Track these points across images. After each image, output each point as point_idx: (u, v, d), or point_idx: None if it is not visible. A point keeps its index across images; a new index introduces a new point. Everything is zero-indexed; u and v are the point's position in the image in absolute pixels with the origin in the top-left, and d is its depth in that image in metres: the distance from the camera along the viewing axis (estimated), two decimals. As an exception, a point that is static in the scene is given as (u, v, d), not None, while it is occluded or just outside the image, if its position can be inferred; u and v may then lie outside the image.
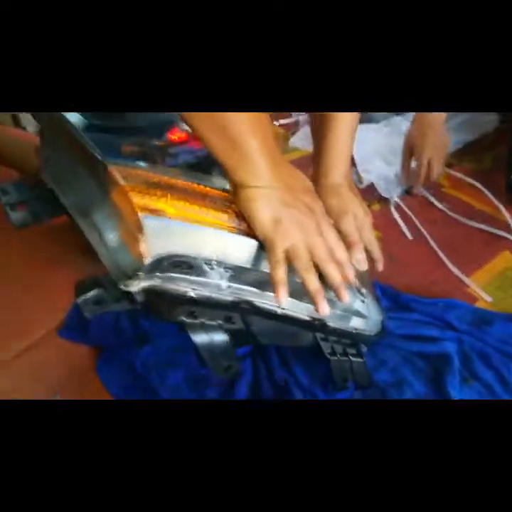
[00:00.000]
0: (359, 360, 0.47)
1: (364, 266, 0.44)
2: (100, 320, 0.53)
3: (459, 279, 0.61)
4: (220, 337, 0.40)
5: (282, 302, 0.36)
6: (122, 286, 0.35)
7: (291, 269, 0.37)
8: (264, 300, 0.40)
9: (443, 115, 0.72)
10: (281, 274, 0.36)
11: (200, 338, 0.39)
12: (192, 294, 0.37)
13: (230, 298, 0.38)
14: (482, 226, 0.69)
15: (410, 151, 0.73)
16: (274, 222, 0.36)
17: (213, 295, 0.38)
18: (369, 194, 0.76)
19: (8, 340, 0.51)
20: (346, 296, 0.38)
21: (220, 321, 0.40)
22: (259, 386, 0.47)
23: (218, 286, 0.38)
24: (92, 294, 0.37)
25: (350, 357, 0.46)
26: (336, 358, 0.45)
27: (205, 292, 0.37)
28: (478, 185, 0.77)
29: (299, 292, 0.40)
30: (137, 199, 0.35)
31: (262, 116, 0.37)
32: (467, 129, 0.87)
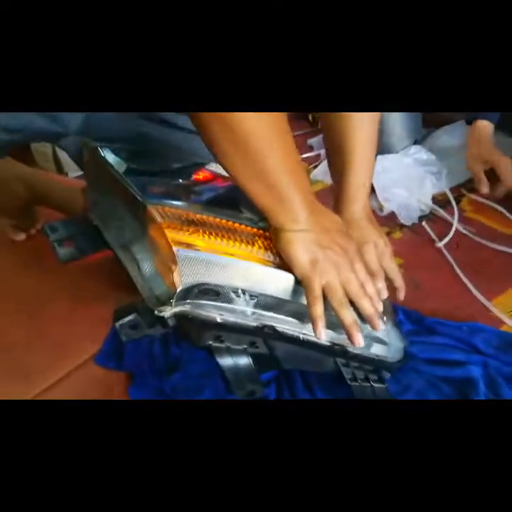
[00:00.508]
0: (381, 385, 0.47)
1: (384, 294, 0.46)
2: (135, 347, 0.56)
3: (482, 303, 0.61)
4: (244, 361, 0.42)
5: (322, 336, 0.39)
6: (156, 312, 0.38)
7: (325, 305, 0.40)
8: (286, 326, 0.42)
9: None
10: (319, 310, 0.39)
11: (226, 361, 0.41)
12: (219, 319, 0.40)
13: (254, 323, 0.41)
14: (505, 248, 0.69)
15: (478, 158, 0.76)
16: (312, 263, 0.40)
17: (239, 320, 0.41)
18: (390, 222, 0.78)
19: (48, 369, 0.55)
20: (380, 325, 0.41)
21: (245, 346, 0.42)
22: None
23: (244, 313, 0.41)
24: (128, 318, 0.40)
25: (372, 383, 0.47)
26: (356, 383, 0.46)
27: (232, 318, 0.40)
28: (500, 208, 0.78)
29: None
30: (172, 234, 0.39)
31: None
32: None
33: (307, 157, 1.02)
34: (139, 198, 0.42)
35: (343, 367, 0.46)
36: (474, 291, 0.63)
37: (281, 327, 0.42)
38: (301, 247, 0.40)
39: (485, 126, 0.78)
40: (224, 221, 0.43)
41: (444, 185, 0.82)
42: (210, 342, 0.42)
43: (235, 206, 0.46)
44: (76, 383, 0.54)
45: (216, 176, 0.53)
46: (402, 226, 0.77)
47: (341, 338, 0.43)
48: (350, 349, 0.45)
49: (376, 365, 0.47)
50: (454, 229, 0.74)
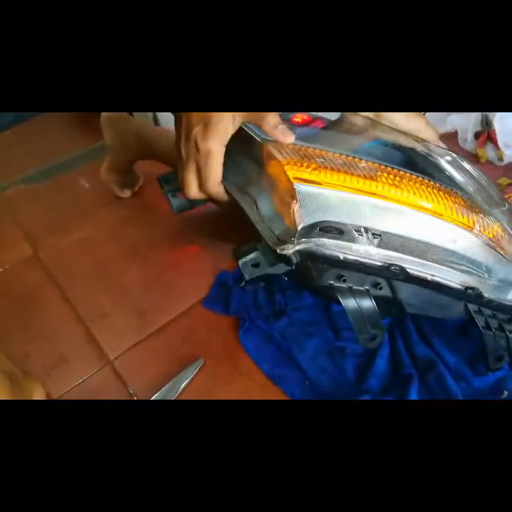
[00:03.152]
0: None
1: None
2: (239, 295, 0.57)
3: None
4: (367, 303, 0.40)
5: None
6: (278, 250, 0.38)
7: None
8: (413, 266, 0.39)
9: None
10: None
11: (349, 303, 0.40)
12: (342, 257, 0.38)
13: (379, 263, 0.39)
14: None
15: None
16: None
17: (363, 259, 0.39)
18: (512, 172, 0.70)
19: (162, 310, 0.58)
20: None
21: (368, 287, 0.40)
22: (400, 361, 0.46)
23: (367, 251, 0.39)
24: (250, 256, 0.41)
25: (508, 333, 0.42)
26: (490, 332, 0.42)
27: (355, 256, 0.39)
28: None
29: (450, 260, 0.39)
30: (292, 171, 0.38)
31: None
32: None
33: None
34: (255, 136, 0.41)
35: (475, 314, 0.42)
36: None
37: (408, 267, 0.39)
38: None
39: None
40: (344, 156, 0.40)
41: None
42: (332, 281, 0.40)
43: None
44: (185, 325, 0.56)
45: (315, 119, 0.50)
46: (527, 177, 0.69)
47: (475, 281, 0.40)
48: (486, 294, 0.41)
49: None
50: None
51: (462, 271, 0.39)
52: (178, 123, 0.44)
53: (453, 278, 0.40)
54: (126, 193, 0.74)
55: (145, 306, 0.59)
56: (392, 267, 0.39)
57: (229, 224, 0.62)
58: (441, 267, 0.39)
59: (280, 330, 0.52)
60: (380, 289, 0.41)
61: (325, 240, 0.38)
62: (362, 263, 0.39)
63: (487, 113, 0.74)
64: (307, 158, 0.40)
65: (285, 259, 0.38)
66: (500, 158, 0.71)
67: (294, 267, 0.38)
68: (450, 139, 0.79)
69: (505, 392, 0.43)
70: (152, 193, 0.74)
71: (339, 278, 0.40)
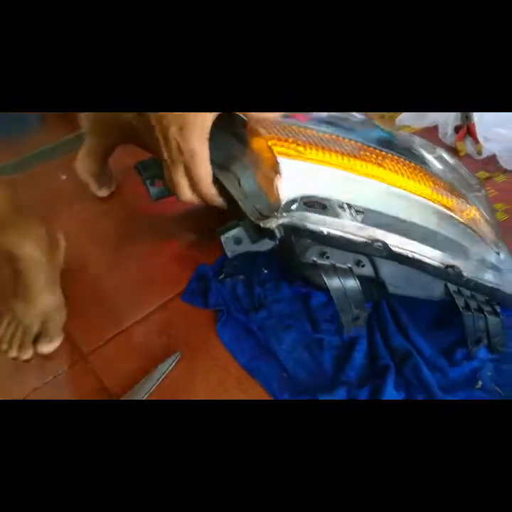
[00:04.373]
0: (495, 318, 0.43)
1: None
2: (219, 287, 0.56)
3: None
4: (351, 283, 0.41)
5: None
6: (262, 224, 0.37)
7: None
8: (397, 243, 0.40)
9: None
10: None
11: (333, 282, 0.40)
12: (325, 232, 0.38)
13: (362, 239, 0.39)
14: None
15: None
16: None
17: (346, 235, 0.39)
18: (490, 166, 0.70)
19: (140, 303, 0.57)
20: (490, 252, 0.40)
21: (350, 265, 0.40)
22: (377, 353, 0.46)
23: (351, 227, 0.39)
24: (233, 232, 0.39)
25: (486, 314, 0.43)
26: (469, 313, 0.42)
27: (338, 232, 0.39)
28: None
29: (431, 239, 0.40)
30: (276, 147, 0.38)
31: None
32: None
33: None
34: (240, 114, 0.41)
35: (455, 294, 0.43)
36: None
37: (390, 243, 0.40)
38: None
39: None
40: (328, 135, 0.40)
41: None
42: (315, 258, 0.40)
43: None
44: (162, 318, 0.56)
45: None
46: (505, 170, 0.69)
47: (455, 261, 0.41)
48: (465, 274, 0.42)
49: (491, 294, 0.44)
50: None
51: (442, 250, 0.40)
52: (147, 128, 0.41)
53: (434, 256, 0.41)
54: (104, 192, 0.72)
55: (121, 300, 0.58)
56: (376, 244, 0.39)
57: (209, 219, 0.61)
58: (423, 245, 0.40)
59: (259, 322, 0.52)
60: (363, 266, 0.41)
61: (308, 214, 0.38)
62: (345, 239, 0.39)
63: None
64: (292, 134, 0.39)
65: (269, 233, 0.37)
66: (479, 152, 0.72)
67: (277, 242, 0.38)
68: (431, 132, 0.80)
69: (480, 382, 0.44)
70: (130, 188, 0.72)
71: (322, 255, 0.40)
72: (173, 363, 0.49)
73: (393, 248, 0.40)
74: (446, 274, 0.41)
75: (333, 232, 0.38)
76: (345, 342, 0.48)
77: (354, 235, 0.39)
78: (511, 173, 0.69)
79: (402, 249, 0.40)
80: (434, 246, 0.41)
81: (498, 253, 0.43)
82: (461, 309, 0.42)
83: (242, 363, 0.49)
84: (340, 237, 0.39)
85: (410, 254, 0.40)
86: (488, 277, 0.43)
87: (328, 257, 0.40)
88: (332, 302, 0.52)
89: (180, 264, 0.61)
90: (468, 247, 0.41)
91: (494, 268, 0.43)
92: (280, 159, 0.37)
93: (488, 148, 0.70)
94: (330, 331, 0.49)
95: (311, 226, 0.38)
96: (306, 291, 0.54)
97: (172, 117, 0.38)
